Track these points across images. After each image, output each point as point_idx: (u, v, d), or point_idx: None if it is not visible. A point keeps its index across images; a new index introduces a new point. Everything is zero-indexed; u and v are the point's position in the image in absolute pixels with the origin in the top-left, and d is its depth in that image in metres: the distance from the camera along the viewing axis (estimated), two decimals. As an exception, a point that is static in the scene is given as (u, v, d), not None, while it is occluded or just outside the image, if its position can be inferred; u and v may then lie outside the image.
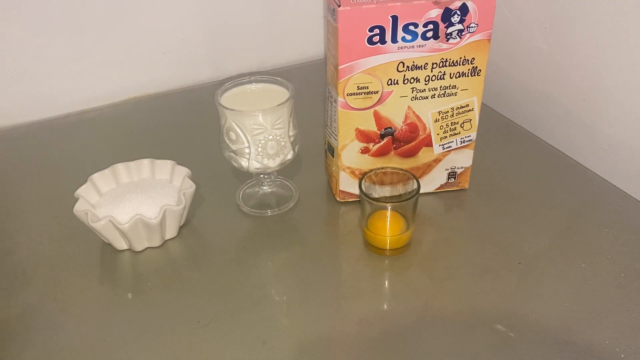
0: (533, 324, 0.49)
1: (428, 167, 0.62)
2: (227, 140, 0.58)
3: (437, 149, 0.61)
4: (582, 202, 0.63)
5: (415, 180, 0.55)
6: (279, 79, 0.60)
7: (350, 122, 0.57)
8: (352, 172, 0.61)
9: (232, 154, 0.58)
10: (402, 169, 0.57)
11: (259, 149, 0.57)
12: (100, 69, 0.84)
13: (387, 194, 0.59)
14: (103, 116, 0.84)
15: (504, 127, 0.78)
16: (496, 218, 0.61)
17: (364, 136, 0.58)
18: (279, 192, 0.65)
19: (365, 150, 0.59)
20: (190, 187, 0.59)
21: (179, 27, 0.86)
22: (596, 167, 0.68)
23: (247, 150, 0.57)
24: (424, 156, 0.61)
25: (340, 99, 0.55)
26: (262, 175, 0.63)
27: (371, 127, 0.58)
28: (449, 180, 0.63)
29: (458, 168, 0.63)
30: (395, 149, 0.60)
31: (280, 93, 0.58)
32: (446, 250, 0.57)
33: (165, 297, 0.53)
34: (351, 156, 0.59)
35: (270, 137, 0.56)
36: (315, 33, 0.96)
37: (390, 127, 0.58)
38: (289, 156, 0.59)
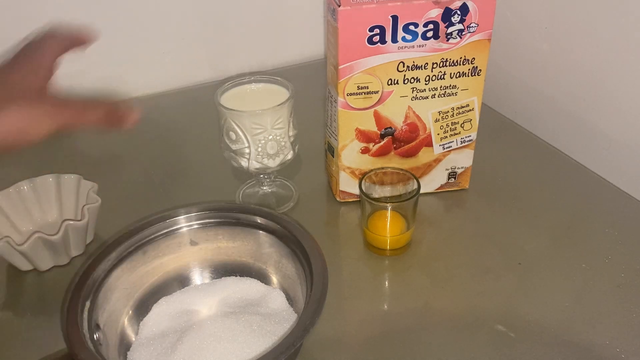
0: (533, 324, 0.49)
1: (428, 167, 0.62)
2: (227, 140, 0.58)
3: (437, 149, 0.61)
4: (582, 202, 0.63)
5: (415, 180, 0.55)
6: (278, 79, 0.60)
7: (351, 122, 0.57)
8: (352, 172, 0.60)
9: (232, 154, 0.58)
10: (402, 169, 0.57)
11: (259, 149, 0.57)
12: (100, 69, 0.84)
13: (388, 194, 0.59)
14: (103, 116, 0.84)
15: (504, 127, 0.78)
16: (496, 218, 0.61)
17: (364, 136, 0.58)
18: (279, 192, 0.65)
19: (365, 150, 0.59)
20: (95, 202, 0.57)
21: (179, 27, 0.86)
22: (596, 167, 0.68)
23: (247, 150, 0.57)
24: (424, 156, 0.61)
25: (340, 99, 0.55)
26: (262, 175, 0.63)
27: (371, 127, 0.58)
28: (449, 180, 0.63)
29: (458, 168, 0.62)
30: (395, 149, 0.60)
31: (280, 93, 0.58)
32: (446, 250, 0.57)
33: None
34: (351, 156, 0.59)
35: (270, 137, 0.56)
36: (315, 33, 0.96)
37: (390, 127, 0.58)
38: (289, 156, 0.59)
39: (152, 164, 0.73)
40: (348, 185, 0.61)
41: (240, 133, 0.56)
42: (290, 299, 0.50)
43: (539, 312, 0.50)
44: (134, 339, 0.48)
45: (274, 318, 0.47)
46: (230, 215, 0.52)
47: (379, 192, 0.59)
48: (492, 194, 0.65)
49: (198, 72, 0.90)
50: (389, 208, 0.55)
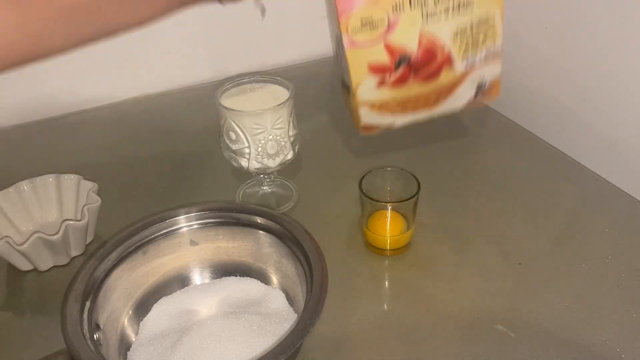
0: (533, 324, 0.49)
1: (454, 85, 0.56)
2: (227, 140, 0.58)
3: (460, 67, 0.55)
4: (582, 202, 0.63)
5: (415, 181, 0.55)
6: (279, 79, 0.60)
7: (361, 60, 0.52)
8: (372, 106, 0.55)
9: (232, 154, 0.58)
10: (402, 169, 0.57)
11: (259, 149, 0.57)
12: (100, 69, 0.84)
13: (409, 120, 0.56)
14: (103, 116, 0.84)
15: (504, 127, 0.78)
16: (496, 218, 0.61)
17: (378, 70, 0.53)
18: (279, 192, 0.65)
19: (381, 83, 0.54)
20: (95, 202, 0.57)
21: (179, 27, 0.86)
22: (596, 167, 0.68)
23: (247, 150, 0.57)
24: (446, 76, 0.55)
25: (345, 37, 0.50)
26: (262, 175, 0.63)
27: (384, 60, 0.52)
28: (478, 95, 0.57)
29: (486, 79, 0.56)
30: (414, 75, 0.54)
31: (280, 93, 0.58)
32: (446, 250, 0.57)
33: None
34: (368, 92, 0.54)
35: (270, 137, 0.56)
36: (316, 33, 0.96)
37: (404, 55, 0.53)
38: (289, 156, 0.59)
39: (152, 164, 0.73)
40: (370, 118, 0.56)
41: (240, 133, 0.56)
42: (290, 299, 0.50)
43: (539, 312, 0.50)
44: (134, 339, 0.48)
45: (274, 318, 0.47)
46: (230, 215, 0.52)
47: (399, 121, 0.55)
48: (492, 194, 0.65)
49: (198, 72, 0.90)
50: (389, 208, 0.55)
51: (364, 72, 0.53)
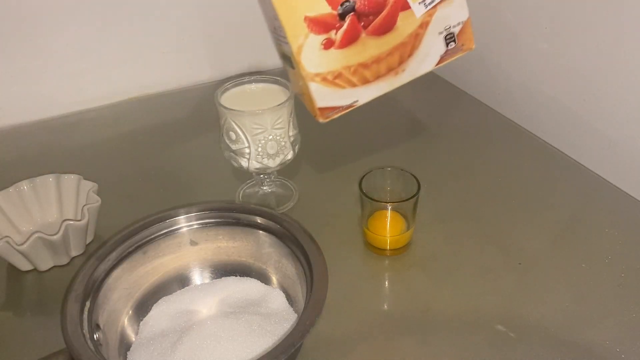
0: (533, 324, 0.49)
1: (416, 38, 0.48)
2: (227, 140, 0.58)
3: (418, 10, 0.47)
4: (582, 202, 0.63)
5: (415, 181, 0.55)
6: (279, 79, 0.60)
7: (294, 11, 0.44)
8: (325, 79, 0.47)
9: (232, 154, 0.58)
10: (402, 169, 0.57)
11: (259, 149, 0.57)
12: (100, 69, 0.84)
13: (374, 94, 0.48)
14: (103, 116, 0.84)
15: (504, 127, 0.78)
16: (496, 218, 0.61)
17: (319, 25, 0.45)
18: (279, 192, 0.65)
19: (328, 44, 0.46)
20: (95, 202, 0.57)
21: (179, 27, 0.86)
22: (596, 167, 0.68)
23: (247, 150, 0.57)
24: (404, 25, 0.47)
25: None
26: (262, 175, 0.63)
27: (323, 8, 0.44)
28: (449, 47, 0.49)
29: (454, 26, 0.48)
30: (365, 28, 0.46)
31: (280, 93, 0.58)
32: (446, 250, 0.57)
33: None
34: (314, 58, 0.46)
35: (270, 137, 0.56)
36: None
37: (347, 1, 0.45)
38: (289, 156, 0.59)
39: (152, 164, 0.73)
40: (325, 97, 0.47)
41: (240, 133, 0.56)
42: (290, 299, 0.50)
43: (539, 312, 0.50)
44: (134, 339, 0.48)
45: (274, 318, 0.47)
46: (230, 215, 0.52)
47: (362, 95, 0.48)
48: (492, 194, 0.65)
49: (198, 72, 0.90)
50: (389, 208, 0.55)
51: (302, 29, 0.45)
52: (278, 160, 0.58)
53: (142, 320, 0.49)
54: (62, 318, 0.43)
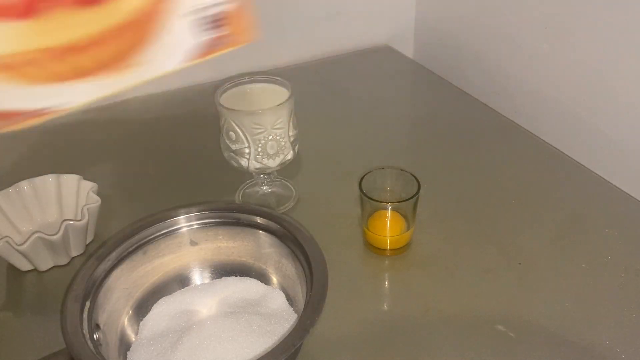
0: (533, 324, 0.49)
1: (149, 19, 0.35)
2: (227, 140, 0.58)
3: None
4: (582, 202, 0.63)
5: (415, 181, 0.55)
6: (279, 79, 0.60)
7: None
8: (9, 68, 0.32)
9: (232, 154, 0.58)
10: (402, 169, 0.57)
11: (259, 149, 0.57)
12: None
13: (95, 97, 0.37)
14: (103, 116, 0.84)
15: (504, 127, 0.78)
16: (496, 218, 0.61)
17: None
18: (279, 192, 0.65)
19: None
20: (95, 202, 0.57)
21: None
22: (596, 167, 0.68)
23: (247, 150, 0.57)
24: None
25: None
26: (262, 175, 0.63)
27: None
28: (211, 35, 0.37)
29: (211, 6, 0.35)
30: None
31: (280, 93, 0.58)
32: (446, 250, 0.57)
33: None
34: None
35: (270, 137, 0.56)
36: (315, 33, 0.96)
37: None
38: (289, 156, 0.59)
39: (153, 164, 0.73)
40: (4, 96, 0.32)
41: (240, 133, 0.56)
42: (290, 299, 0.50)
43: (539, 312, 0.50)
44: (134, 339, 0.48)
45: (274, 318, 0.47)
46: (230, 215, 0.52)
47: None
48: (492, 194, 0.65)
49: (198, 72, 0.90)
50: (389, 208, 0.55)
51: None
52: (278, 160, 0.58)
53: (142, 320, 0.49)
54: (62, 318, 0.43)
